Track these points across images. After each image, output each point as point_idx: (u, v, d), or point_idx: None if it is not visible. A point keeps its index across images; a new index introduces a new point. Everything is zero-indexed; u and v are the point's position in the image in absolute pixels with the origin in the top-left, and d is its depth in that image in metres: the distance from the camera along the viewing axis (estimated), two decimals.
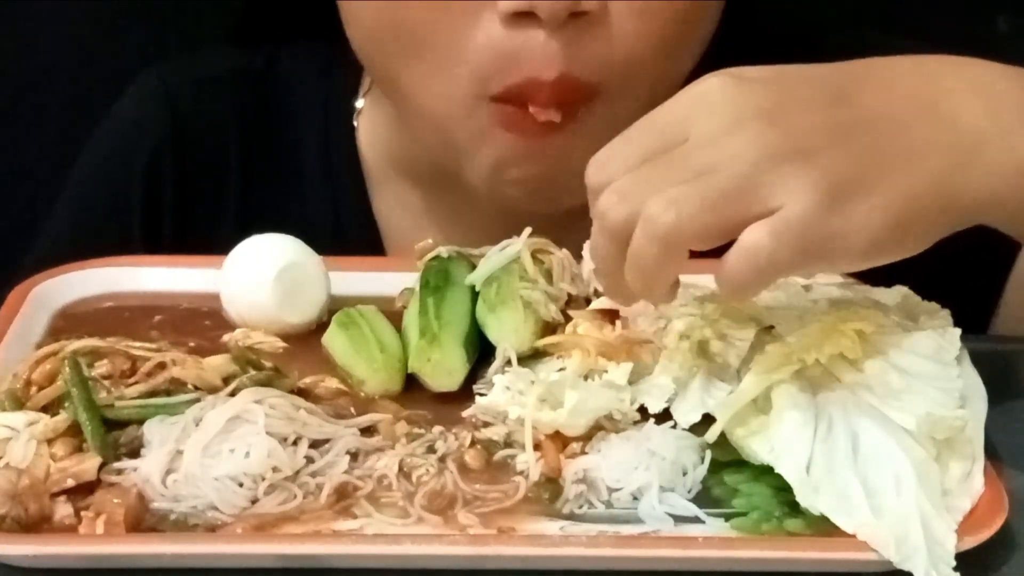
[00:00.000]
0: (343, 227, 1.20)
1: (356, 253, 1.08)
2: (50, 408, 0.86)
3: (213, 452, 0.82)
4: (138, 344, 0.91)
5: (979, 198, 0.84)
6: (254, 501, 0.82)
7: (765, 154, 0.81)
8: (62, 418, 0.84)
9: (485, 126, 1.04)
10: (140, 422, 0.85)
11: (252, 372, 0.89)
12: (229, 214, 1.21)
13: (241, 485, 0.82)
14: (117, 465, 0.83)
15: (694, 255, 1.02)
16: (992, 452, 0.84)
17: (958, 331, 0.89)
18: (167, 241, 1.21)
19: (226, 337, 0.96)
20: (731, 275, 0.82)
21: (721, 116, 0.82)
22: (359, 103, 1.20)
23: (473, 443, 0.87)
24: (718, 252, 1.02)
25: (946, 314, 0.91)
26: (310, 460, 0.84)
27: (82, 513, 0.80)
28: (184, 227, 1.21)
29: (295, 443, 0.84)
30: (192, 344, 0.95)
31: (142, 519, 0.80)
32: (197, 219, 1.21)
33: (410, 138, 1.14)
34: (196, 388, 0.88)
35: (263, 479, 0.82)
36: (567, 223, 0.97)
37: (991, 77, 0.87)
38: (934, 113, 0.84)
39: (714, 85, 0.84)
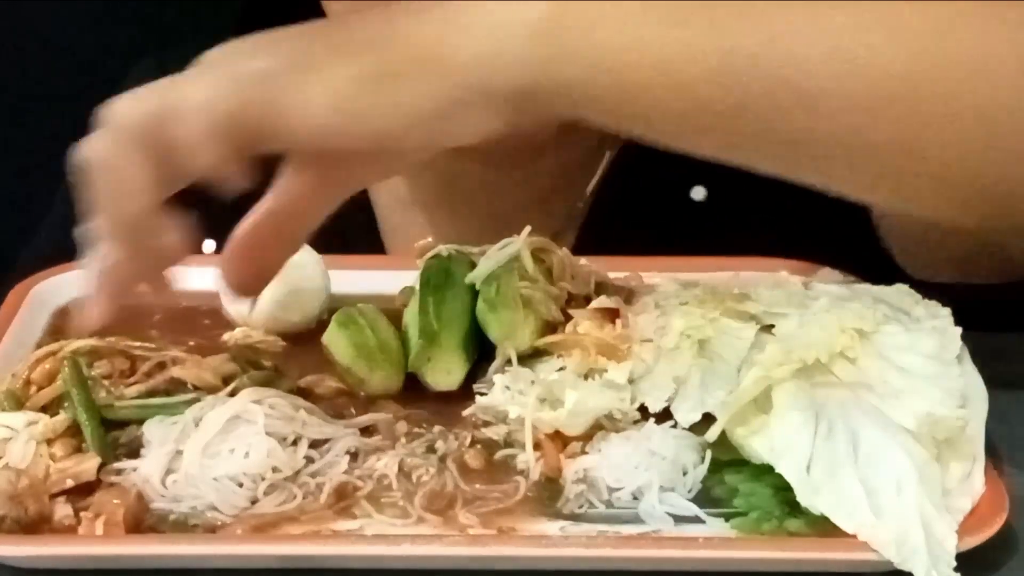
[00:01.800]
0: (340, 213, 1.20)
1: (352, 239, 1.08)
2: (49, 408, 0.86)
3: (212, 452, 0.82)
4: (137, 344, 0.91)
5: (482, 54, 0.81)
6: (254, 501, 0.82)
7: (223, 57, 0.82)
8: (61, 418, 0.85)
9: None
10: (140, 422, 0.85)
11: (252, 372, 0.89)
12: (225, 199, 1.21)
13: (241, 485, 0.82)
14: (117, 465, 0.83)
15: (694, 254, 1.03)
16: (992, 452, 0.84)
17: (959, 330, 0.89)
18: None
19: (226, 336, 0.96)
20: (184, 137, 0.79)
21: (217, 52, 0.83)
22: None
23: (473, 443, 0.87)
24: (722, 252, 1.03)
25: (947, 313, 0.91)
26: (310, 460, 0.84)
27: (81, 514, 0.80)
28: (182, 211, 1.21)
29: (295, 443, 0.84)
30: (192, 343, 0.95)
31: (142, 520, 0.80)
32: (193, 204, 1.21)
33: None
34: (195, 388, 0.88)
35: (263, 479, 0.82)
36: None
37: None
38: (420, 5, 0.83)
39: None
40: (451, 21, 0.82)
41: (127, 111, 0.81)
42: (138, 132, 0.80)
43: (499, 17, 0.82)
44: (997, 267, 0.97)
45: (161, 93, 0.81)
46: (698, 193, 1.15)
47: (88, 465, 0.82)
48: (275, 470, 0.82)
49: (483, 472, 0.85)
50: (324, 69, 0.80)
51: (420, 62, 0.81)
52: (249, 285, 0.88)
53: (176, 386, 0.88)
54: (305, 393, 0.89)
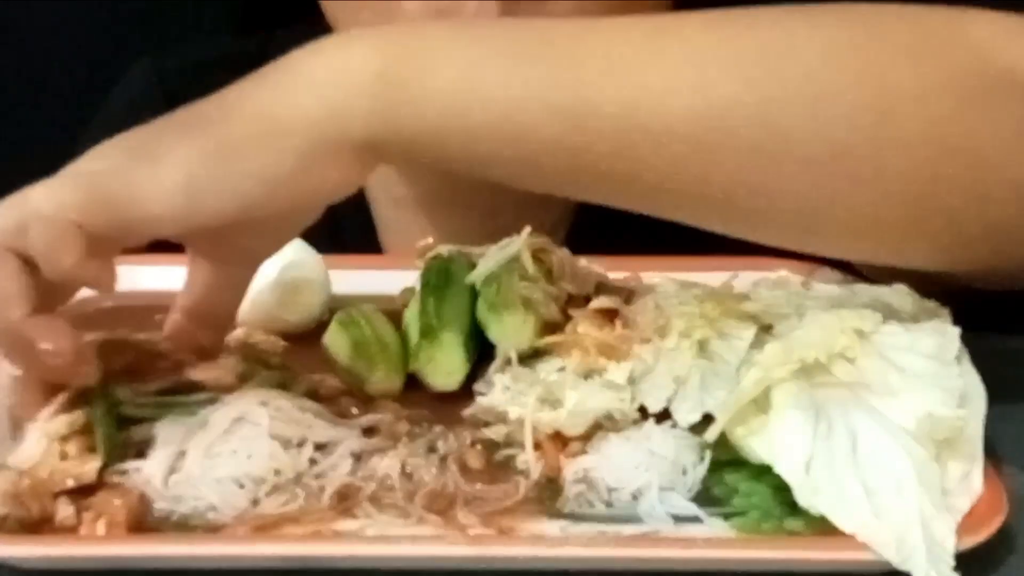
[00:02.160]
0: (336, 210, 1.20)
1: (350, 235, 1.08)
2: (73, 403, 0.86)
3: (215, 453, 0.82)
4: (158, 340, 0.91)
5: (318, 113, 0.82)
6: (256, 503, 0.82)
7: (83, 158, 0.84)
8: (78, 415, 0.84)
9: None
10: (153, 420, 0.85)
11: (264, 372, 0.89)
12: None
13: (242, 487, 0.81)
14: (121, 466, 0.83)
15: (694, 252, 1.03)
16: (992, 452, 0.84)
17: (958, 330, 0.89)
18: None
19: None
20: (32, 241, 0.80)
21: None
22: None
23: (473, 443, 0.87)
24: (722, 251, 1.03)
25: (946, 313, 0.91)
26: (314, 462, 0.84)
27: (83, 514, 0.80)
28: None
29: (300, 445, 0.84)
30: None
31: (143, 520, 0.80)
32: None
33: None
34: (210, 388, 0.88)
35: (264, 481, 0.82)
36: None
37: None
38: (255, 76, 0.85)
39: None
40: (287, 83, 0.83)
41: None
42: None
43: (336, 72, 0.83)
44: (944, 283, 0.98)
45: (12, 204, 0.82)
46: None
47: (88, 467, 0.82)
48: (277, 472, 0.82)
49: (483, 472, 0.85)
50: (166, 154, 0.82)
51: (261, 129, 0.82)
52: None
53: (191, 386, 0.87)
54: (308, 393, 0.89)
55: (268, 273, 0.97)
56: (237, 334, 0.96)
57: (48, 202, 0.80)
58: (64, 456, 0.83)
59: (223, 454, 0.82)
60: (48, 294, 0.83)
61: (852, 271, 1.00)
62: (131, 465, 0.83)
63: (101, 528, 0.79)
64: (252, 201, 0.82)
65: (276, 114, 0.82)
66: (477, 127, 0.83)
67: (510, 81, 0.82)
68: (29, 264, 0.81)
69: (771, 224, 0.87)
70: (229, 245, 0.88)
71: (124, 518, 0.79)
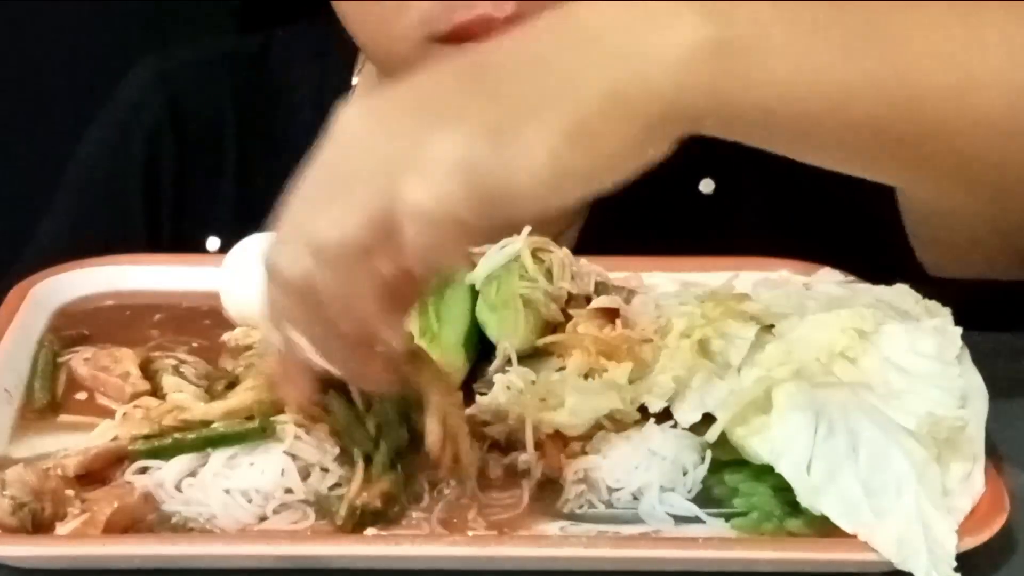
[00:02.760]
0: None
1: None
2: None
3: (235, 464, 0.82)
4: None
5: (657, 94, 0.78)
6: (263, 519, 0.81)
7: (404, 134, 0.77)
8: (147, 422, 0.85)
9: None
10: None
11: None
12: (227, 195, 1.21)
13: (250, 501, 0.81)
14: (140, 464, 0.83)
15: (696, 250, 1.03)
16: (993, 452, 0.84)
17: (959, 330, 0.89)
18: (166, 223, 1.21)
19: (225, 336, 0.96)
20: (414, 246, 0.75)
21: (361, 133, 0.78)
22: (354, 81, 1.21)
23: (490, 448, 0.86)
24: (723, 251, 1.03)
25: (947, 313, 0.91)
26: (338, 485, 0.82)
27: (69, 509, 0.80)
28: (183, 208, 1.21)
29: (325, 470, 0.83)
30: (193, 344, 0.95)
31: (141, 520, 0.80)
32: (195, 200, 1.21)
33: None
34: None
35: (273, 497, 0.81)
36: None
37: None
38: (576, 40, 0.80)
39: (347, 114, 0.80)
40: (629, 54, 0.79)
41: (340, 235, 0.76)
42: (360, 248, 0.76)
43: (677, 46, 0.79)
44: None
45: (374, 194, 0.76)
46: (707, 186, 1.14)
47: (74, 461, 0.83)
48: (288, 491, 0.82)
49: (495, 478, 0.85)
50: (524, 134, 0.76)
51: (615, 108, 0.78)
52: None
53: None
54: None
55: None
56: (236, 334, 0.96)
57: (430, 200, 0.75)
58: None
59: (242, 465, 0.82)
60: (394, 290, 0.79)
61: (852, 271, 1.00)
62: (152, 463, 0.83)
63: (77, 524, 0.79)
64: (609, 182, 0.79)
65: (627, 91, 0.78)
66: (809, 113, 0.82)
67: (846, 69, 0.82)
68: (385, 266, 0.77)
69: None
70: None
71: (106, 517, 0.79)
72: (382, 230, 0.75)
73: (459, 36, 1.01)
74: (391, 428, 0.82)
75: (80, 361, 0.93)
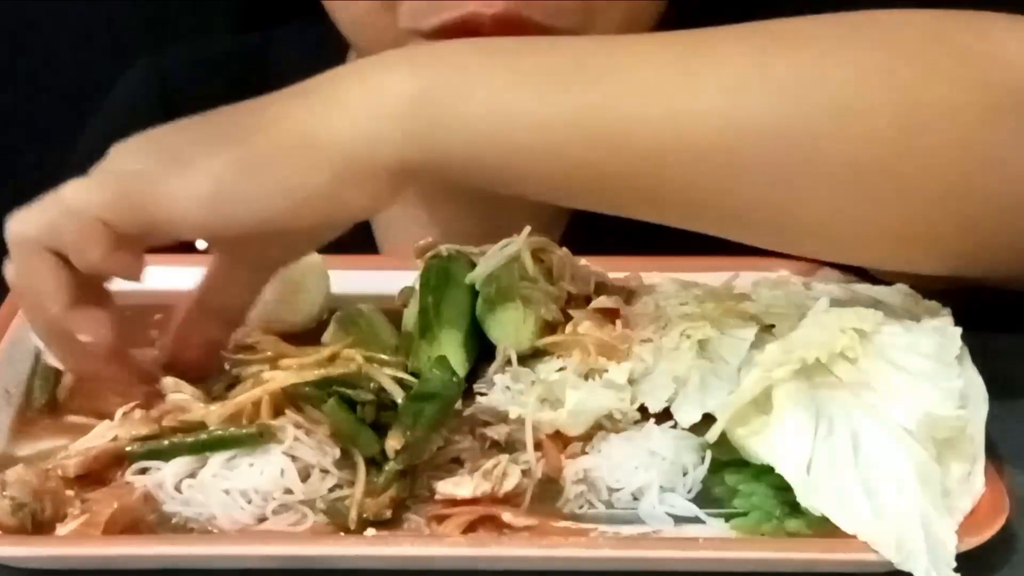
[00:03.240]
0: None
1: (345, 233, 1.08)
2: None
3: (235, 464, 0.82)
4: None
5: (352, 135, 0.83)
6: (262, 520, 0.81)
7: (113, 154, 0.86)
8: (142, 420, 0.86)
9: None
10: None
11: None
12: None
13: (249, 501, 0.81)
14: (140, 464, 0.83)
15: (694, 251, 1.03)
16: (993, 452, 0.84)
17: (959, 330, 0.89)
18: None
19: None
20: (70, 243, 0.83)
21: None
22: None
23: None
24: (722, 251, 1.03)
25: (947, 313, 0.91)
26: (339, 487, 0.82)
27: (68, 510, 0.80)
28: None
29: (325, 472, 0.83)
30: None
31: (141, 521, 0.80)
32: None
33: None
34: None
35: (273, 498, 0.81)
36: None
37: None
38: (294, 90, 0.86)
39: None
40: (323, 103, 0.84)
41: (21, 227, 0.84)
42: (34, 244, 0.84)
43: (371, 96, 0.83)
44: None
45: (48, 203, 0.84)
46: None
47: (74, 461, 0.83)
48: (288, 491, 0.82)
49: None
50: (196, 160, 0.83)
51: (293, 146, 0.83)
52: (194, 370, 0.90)
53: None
54: None
55: None
56: (236, 334, 0.96)
57: (77, 200, 0.83)
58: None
59: (241, 466, 0.82)
60: (86, 288, 0.85)
61: (853, 271, 1.00)
62: (152, 464, 0.83)
63: (77, 524, 0.79)
64: (276, 215, 0.83)
65: (310, 133, 0.83)
66: (510, 151, 0.84)
67: (543, 106, 0.83)
68: (66, 260, 0.84)
69: (796, 238, 0.88)
70: (250, 250, 0.90)
71: (105, 518, 0.79)
72: (48, 227, 0.83)
73: (447, 33, 1.01)
74: (418, 443, 0.83)
75: None
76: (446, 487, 0.82)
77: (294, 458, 0.82)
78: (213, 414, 0.84)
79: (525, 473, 0.83)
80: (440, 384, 0.84)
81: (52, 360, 0.91)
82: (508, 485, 0.82)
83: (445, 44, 0.87)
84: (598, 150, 0.83)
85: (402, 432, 0.82)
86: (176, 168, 0.83)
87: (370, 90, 0.84)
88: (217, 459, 0.82)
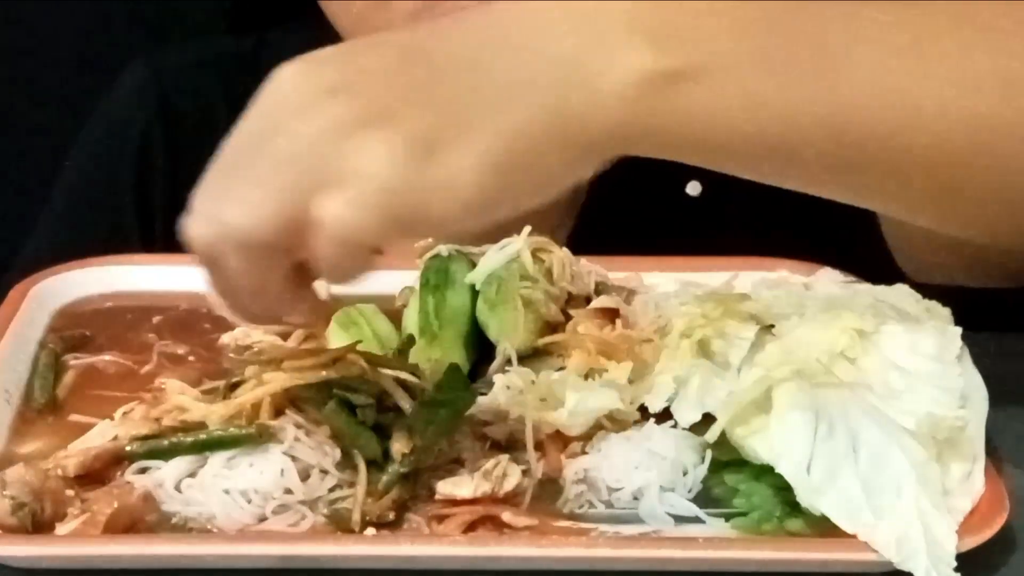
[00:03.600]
0: None
1: None
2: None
3: (235, 464, 0.82)
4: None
5: (591, 124, 0.78)
6: (262, 520, 0.81)
7: (332, 127, 0.75)
8: (140, 420, 0.86)
9: None
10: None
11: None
12: None
13: (249, 501, 0.81)
14: (140, 464, 0.83)
15: (694, 252, 1.03)
16: (993, 452, 0.84)
17: (959, 330, 0.89)
18: (158, 222, 1.21)
19: (225, 336, 0.96)
20: (322, 258, 0.75)
21: (293, 102, 0.77)
22: None
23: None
24: (722, 251, 1.03)
25: (947, 313, 0.91)
26: (339, 487, 0.83)
27: (68, 510, 0.80)
28: (175, 207, 1.21)
29: (324, 472, 0.83)
30: (191, 346, 0.96)
31: (141, 520, 0.80)
32: (187, 199, 1.21)
33: None
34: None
35: (273, 498, 0.81)
36: None
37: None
38: (519, 47, 0.79)
39: (281, 76, 0.79)
40: (568, 80, 0.78)
41: (260, 233, 0.75)
42: (273, 249, 0.76)
43: (619, 72, 0.79)
44: (1006, 272, 0.97)
45: (284, 202, 0.75)
46: (694, 188, 1.15)
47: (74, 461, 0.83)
48: (288, 491, 0.81)
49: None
50: (451, 156, 0.75)
51: (546, 134, 0.77)
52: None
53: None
54: None
55: None
56: (235, 334, 0.96)
57: (346, 224, 0.74)
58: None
59: (241, 466, 0.82)
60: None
61: (852, 271, 1.00)
62: (152, 464, 0.83)
63: (77, 524, 0.79)
64: (530, 205, 0.79)
65: (565, 117, 0.78)
66: (745, 136, 0.82)
67: (784, 96, 0.82)
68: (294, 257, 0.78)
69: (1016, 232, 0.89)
70: None
71: (106, 518, 0.79)
72: (292, 229, 0.75)
73: None
74: (427, 448, 0.83)
75: None
76: (446, 487, 0.82)
77: (294, 458, 0.82)
78: (214, 414, 0.84)
79: (525, 473, 0.83)
80: (453, 392, 0.84)
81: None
82: (508, 485, 0.82)
83: (679, 8, 0.82)
84: (830, 139, 0.82)
85: (410, 436, 0.82)
86: (433, 167, 0.75)
87: (617, 66, 0.78)
88: (217, 459, 0.82)
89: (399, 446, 0.82)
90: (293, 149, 0.76)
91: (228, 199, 0.76)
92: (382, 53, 0.79)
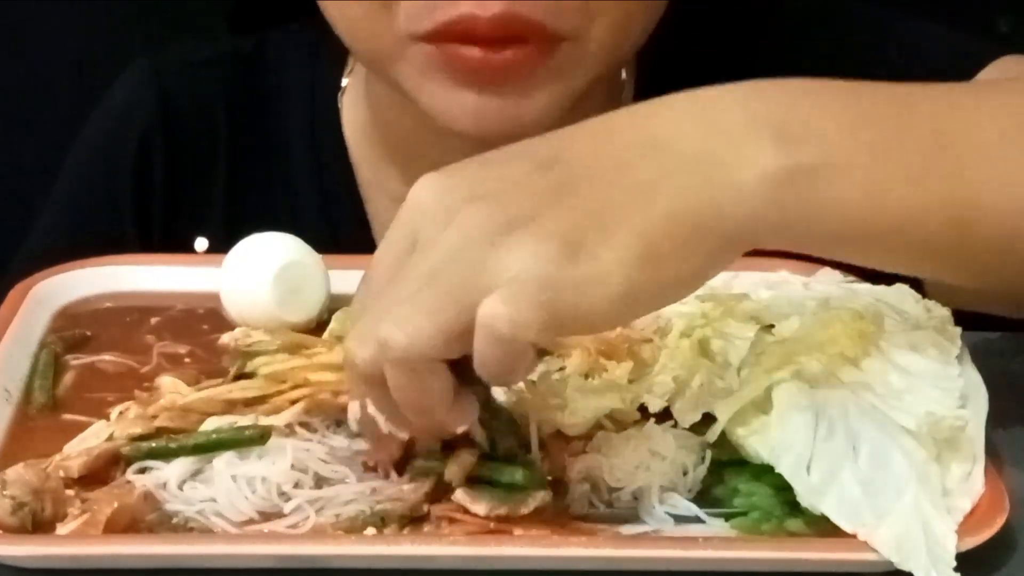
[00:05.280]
0: (330, 208, 1.20)
1: (344, 233, 1.07)
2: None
3: (245, 454, 0.82)
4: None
5: (727, 217, 0.79)
6: (266, 518, 0.81)
7: (480, 235, 0.77)
8: (141, 420, 0.85)
9: (424, 70, 1.03)
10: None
11: None
12: (217, 196, 1.21)
13: (254, 491, 0.81)
14: (141, 464, 0.83)
15: None
16: (993, 452, 0.84)
17: (959, 330, 0.89)
18: (157, 222, 1.21)
19: (225, 336, 0.96)
20: (482, 360, 0.76)
21: (434, 215, 0.79)
22: (344, 82, 1.21)
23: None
24: None
25: (947, 313, 0.91)
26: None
27: (69, 510, 0.80)
28: (173, 208, 1.22)
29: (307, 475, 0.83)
30: (191, 347, 0.96)
31: (141, 520, 0.80)
32: (187, 200, 1.22)
33: (379, 107, 1.15)
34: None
35: (282, 491, 0.81)
36: None
37: (708, 98, 0.83)
38: (652, 148, 0.80)
39: (421, 186, 0.80)
40: (705, 174, 0.80)
41: (421, 348, 0.76)
42: (436, 362, 0.77)
43: (750, 171, 0.80)
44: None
45: (449, 306, 0.76)
46: None
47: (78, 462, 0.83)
48: (297, 484, 0.82)
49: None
50: (599, 252, 0.77)
51: (684, 232, 0.78)
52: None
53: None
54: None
55: (268, 273, 0.97)
56: (236, 334, 0.96)
57: (508, 325, 0.74)
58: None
59: (250, 458, 0.82)
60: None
61: (852, 271, 1.00)
62: (153, 464, 0.83)
63: (77, 524, 0.79)
64: (676, 300, 0.81)
65: (697, 214, 0.79)
66: (873, 236, 0.83)
67: (911, 194, 0.83)
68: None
69: None
70: None
71: (106, 517, 0.79)
72: (453, 340, 0.76)
73: (442, 35, 1.01)
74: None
75: None
76: (464, 497, 0.81)
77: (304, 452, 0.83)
78: (215, 398, 0.85)
79: (550, 490, 0.82)
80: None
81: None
82: (526, 509, 0.81)
83: (793, 104, 0.84)
84: (956, 237, 0.84)
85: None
86: (583, 264, 0.76)
87: (744, 161, 0.80)
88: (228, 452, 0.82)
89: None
90: (443, 261, 0.77)
91: (387, 321, 0.76)
92: (518, 161, 0.81)
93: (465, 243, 0.77)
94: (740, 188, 0.80)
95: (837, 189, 0.81)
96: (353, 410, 0.82)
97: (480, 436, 0.82)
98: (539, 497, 0.81)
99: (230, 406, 0.86)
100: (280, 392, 0.87)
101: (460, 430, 0.81)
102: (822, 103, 0.84)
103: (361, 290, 0.82)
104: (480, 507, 0.81)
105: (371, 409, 0.81)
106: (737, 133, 0.81)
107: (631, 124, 0.83)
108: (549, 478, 0.83)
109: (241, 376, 0.87)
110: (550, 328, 0.76)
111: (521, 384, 0.87)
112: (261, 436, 0.83)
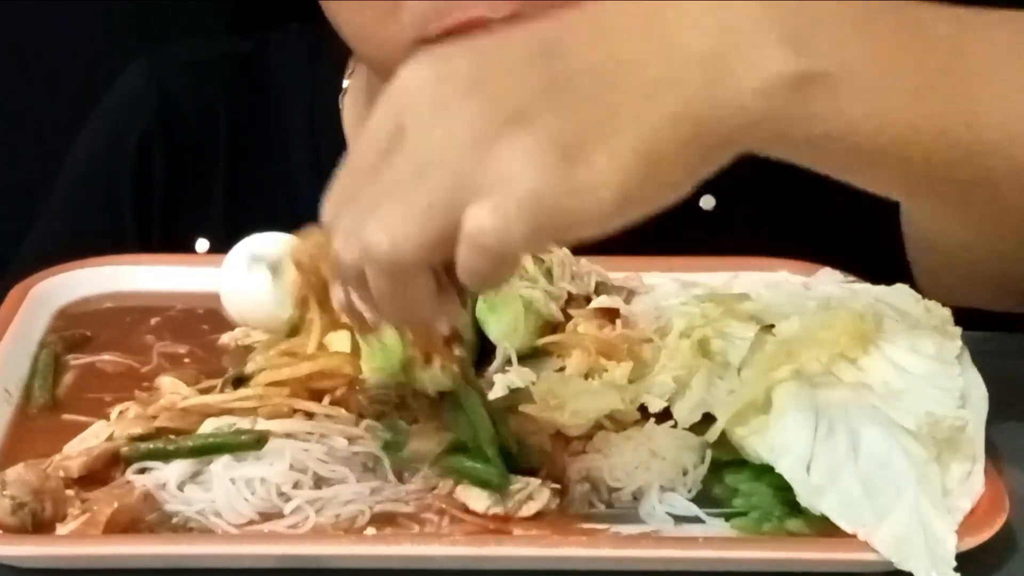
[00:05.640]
0: None
1: None
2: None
3: (242, 456, 0.82)
4: None
5: (729, 120, 0.77)
6: (265, 518, 0.81)
7: (471, 134, 0.73)
8: (142, 421, 0.86)
9: None
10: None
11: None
12: (218, 196, 1.21)
13: (253, 492, 0.81)
14: (140, 464, 0.83)
15: (687, 253, 1.03)
16: (993, 452, 0.84)
17: (959, 330, 0.89)
18: (157, 223, 1.21)
19: (225, 336, 0.96)
20: (466, 269, 0.73)
21: (427, 103, 0.75)
22: (345, 83, 1.21)
23: None
24: (722, 251, 1.03)
25: (947, 313, 0.91)
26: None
27: (69, 510, 0.80)
28: (173, 208, 1.22)
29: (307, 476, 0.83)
30: (191, 345, 0.96)
31: (141, 520, 0.80)
32: (187, 200, 1.22)
33: None
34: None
35: (280, 493, 0.81)
36: None
37: None
38: (660, 45, 0.77)
39: (410, 73, 0.76)
40: (708, 79, 0.77)
41: (410, 254, 0.74)
42: (422, 267, 0.75)
43: (759, 75, 0.78)
44: None
45: (433, 215, 0.73)
46: (707, 203, 1.15)
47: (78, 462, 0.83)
48: (296, 485, 0.82)
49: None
50: (595, 156, 0.74)
51: (686, 135, 0.76)
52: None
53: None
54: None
55: (268, 273, 0.97)
56: (235, 334, 0.96)
57: (495, 235, 0.72)
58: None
59: (248, 459, 0.82)
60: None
61: (852, 271, 1.00)
62: (153, 465, 0.83)
63: (77, 524, 0.79)
64: (665, 204, 0.78)
65: (700, 117, 0.77)
66: (870, 148, 0.82)
67: (913, 111, 0.82)
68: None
69: None
70: None
71: (106, 517, 0.79)
72: (438, 245, 0.73)
73: (452, 38, 1.00)
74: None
75: None
76: (464, 494, 0.81)
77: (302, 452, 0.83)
78: (218, 400, 0.85)
79: (554, 492, 0.83)
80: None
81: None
82: (528, 510, 0.81)
83: (818, 15, 0.81)
84: (954, 158, 0.83)
85: None
86: (580, 168, 0.73)
87: (756, 67, 0.78)
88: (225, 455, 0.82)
89: None
90: (433, 158, 0.74)
91: (372, 222, 0.74)
92: (515, 48, 0.77)
93: (456, 141, 0.73)
94: (746, 91, 0.77)
95: (841, 100, 0.80)
96: (337, 295, 0.81)
97: (466, 330, 0.82)
98: (541, 499, 0.81)
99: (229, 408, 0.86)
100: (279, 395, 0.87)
101: (444, 331, 0.80)
102: (837, 11, 0.82)
103: (344, 172, 0.79)
104: (478, 505, 0.81)
105: (355, 299, 0.79)
106: (749, 34, 0.78)
107: (637, 16, 0.79)
108: (550, 480, 0.83)
109: (239, 379, 0.87)
110: (539, 239, 0.74)
111: (520, 383, 0.88)
112: (257, 441, 0.82)
